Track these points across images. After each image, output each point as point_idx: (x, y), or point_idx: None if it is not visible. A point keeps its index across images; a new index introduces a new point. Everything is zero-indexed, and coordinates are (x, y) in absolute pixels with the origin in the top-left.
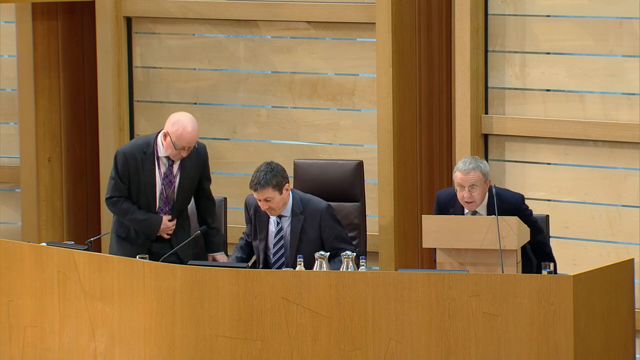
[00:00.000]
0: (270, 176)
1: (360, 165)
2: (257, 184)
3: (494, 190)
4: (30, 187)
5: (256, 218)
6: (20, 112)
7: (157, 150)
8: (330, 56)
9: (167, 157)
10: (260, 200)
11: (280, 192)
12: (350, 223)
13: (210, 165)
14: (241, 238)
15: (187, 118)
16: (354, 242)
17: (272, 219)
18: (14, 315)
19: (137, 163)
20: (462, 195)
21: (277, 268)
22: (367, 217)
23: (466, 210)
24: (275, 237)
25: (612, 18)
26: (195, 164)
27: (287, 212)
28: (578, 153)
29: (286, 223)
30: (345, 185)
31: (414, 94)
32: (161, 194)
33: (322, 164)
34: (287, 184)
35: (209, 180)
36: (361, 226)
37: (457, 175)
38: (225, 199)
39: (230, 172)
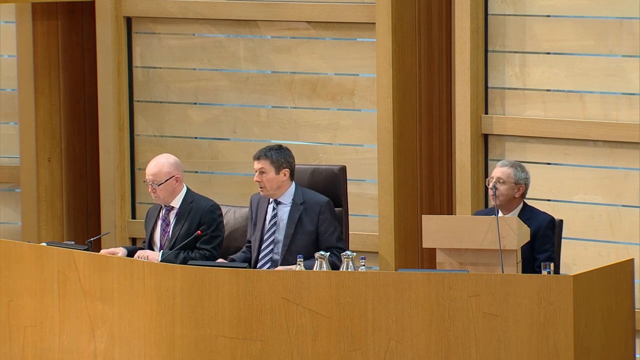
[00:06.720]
0: (274, 152)
1: (342, 170)
2: (259, 153)
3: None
4: (30, 187)
5: (257, 211)
6: (20, 112)
7: None
8: (330, 56)
9: (163, 205)
10: (256, 171)
11: (277, 172)
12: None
13: (210, 165)
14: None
15: (161, 155)
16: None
17: (270, 208)
18: (14, 315)
19: (150, 215)
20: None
21: (265, 255)
22: (366, 218)
23: (500, 214)
24: (270, 222)
25: (612, 18)
26: (192, 216)
27: (287, 200)
28: (578, 153)
29: (283, 210)
30: (328, 191)
31: (414, 94)
32: (160, 241)
33: (307, 169)
34: (287, 169)
35: (208, 244)
36: (344, 231)
37: (494, 170)
38: None
39: (230, 172)
